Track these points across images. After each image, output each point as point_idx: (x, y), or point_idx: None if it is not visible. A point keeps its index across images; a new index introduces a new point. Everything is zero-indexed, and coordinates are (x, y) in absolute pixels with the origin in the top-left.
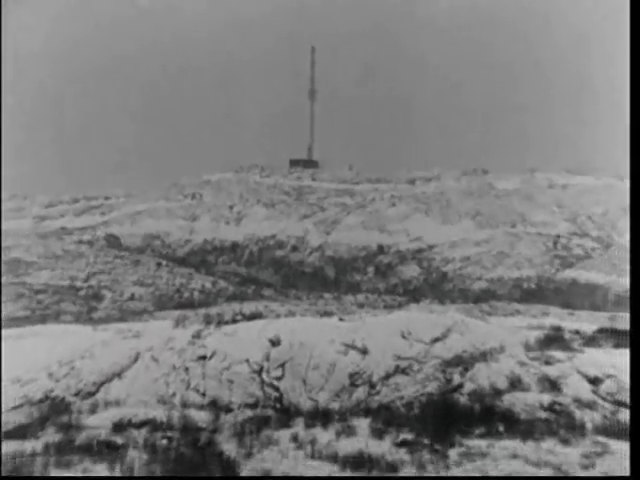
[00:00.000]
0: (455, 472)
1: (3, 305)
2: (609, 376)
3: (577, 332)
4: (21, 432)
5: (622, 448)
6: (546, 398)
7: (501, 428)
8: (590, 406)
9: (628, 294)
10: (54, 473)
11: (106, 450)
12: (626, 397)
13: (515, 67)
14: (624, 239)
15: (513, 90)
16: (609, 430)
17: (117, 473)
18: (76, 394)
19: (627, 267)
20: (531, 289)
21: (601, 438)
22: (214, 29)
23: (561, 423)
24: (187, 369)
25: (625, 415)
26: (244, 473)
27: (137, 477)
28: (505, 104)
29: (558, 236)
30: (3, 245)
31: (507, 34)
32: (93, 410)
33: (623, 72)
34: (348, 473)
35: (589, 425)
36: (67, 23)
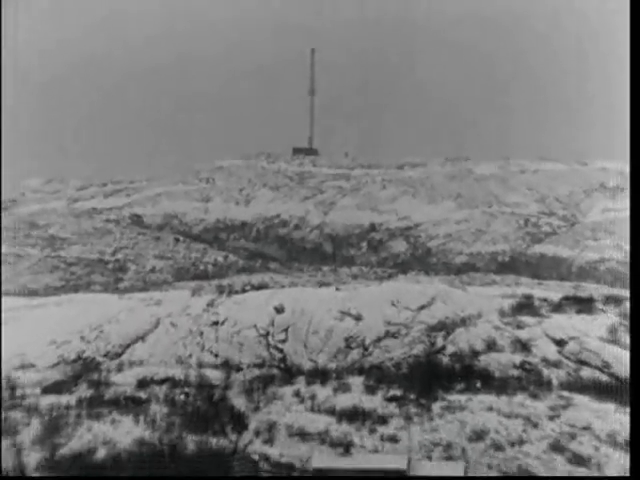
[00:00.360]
0: (438, 423)
1: (41, 275)
2: (572, 338)
3: (545, 300)
4: (57, 388)
5: (583, 401)
6: (518, 358)
7: (478, 384)
8: (556, 365)
9: (589, 266)
10: (86, 424)
11: (131, 404)
12: (588, 357)
13: (508, 71)
14: (587, 218)
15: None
16: (572, 385)
17: (141, 424)
18: (105, 355)
19: (589, 243)
20: (505, 262)
21: (565, 393)
22: (222, 29)
23: (531, 380)
24: (202, 333)
25: (586, 372)
26: (252, 424)
27: (138, 477)
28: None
29: (529, 215)
30: (41, 223)
31: (500, 38)
32: (120, 369)
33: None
34: (344, 425)
35: (555, 381)
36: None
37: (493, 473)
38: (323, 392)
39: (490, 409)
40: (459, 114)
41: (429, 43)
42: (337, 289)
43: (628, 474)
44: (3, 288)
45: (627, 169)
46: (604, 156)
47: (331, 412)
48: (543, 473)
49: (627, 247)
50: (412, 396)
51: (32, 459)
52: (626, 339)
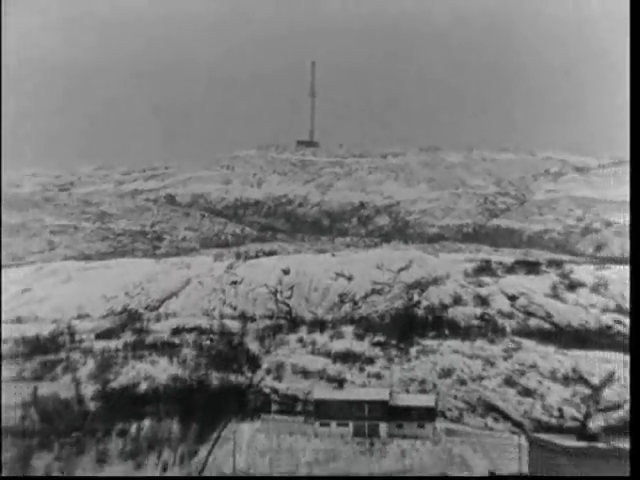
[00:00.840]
0: (414, 364)
1: (94, 244)
2: (522, 294)
3: (500, 263)
4: (107, 334)
5: (530, 345)
6: (478, 310)
7: (447, 332)
8: (509, 316)
9: (536, 236)
10: (131, 363)
11: (167, 348)
12: (534, 309)
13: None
14: (534, 197)
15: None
16: (522, 332)
17: (175, 364)
18: (145, 308)
19: (535, 217)
20: (469, 233)
21: (516, 338)
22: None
23: (488, 328)
24: (223, 291)
25: (533, 321)
26: (264, 365)
27: (142, 477)
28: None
29: (488, 195)
30: (94, 201)
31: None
32: (157, 319)
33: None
34: (338, 365)
35: (508, 329)
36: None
37: (458, 403)
38: (321, 338)
39: (456, 352)
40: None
41: (431, 42)
42: (333, 255)
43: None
44: (64, 253)
45: (569, 157)
46: (551, 147)
47: (328, 354)
48: (498, 403)
49: (566, 220)
50: (393, 341)
51: (88, 391)
52: (564, 294)
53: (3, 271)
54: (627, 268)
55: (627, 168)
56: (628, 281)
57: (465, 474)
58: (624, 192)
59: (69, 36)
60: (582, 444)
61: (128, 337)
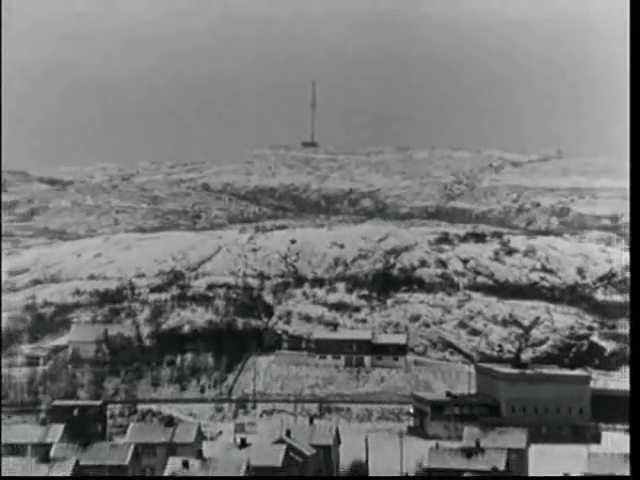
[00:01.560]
0: (390, 312)
1: (148, 220)
2: (472, 258)
3: (456, 235)
4: (159, 289)
5: (478, 296)
6: (439, 271)
7: (415, 287)
8: (462, 274)
9: (482, 214)
10: (176, 311)
11: (203, 299)
12: (481, 269)
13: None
14: (481, 185)
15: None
16: (471, 287)
17: (209, 312)
18: (187, 269)
19: (482, 200)
20: (432, 212)
21: (467, 291)
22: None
23: (446, 284)
24: (246, 256)
25: (480, 279)
26: (277, 313)
27: (140, 477)
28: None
29: (447, 183)
30: (148, 188)
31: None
32: (196, 277)
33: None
34: (333, 312)
35: (461, 285)
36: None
37: (423, 341)
38: (320, 292)
39: (422, 302)
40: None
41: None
42: (329, 229)
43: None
44: (126, 227)
45: (506, 155)
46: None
47: (325, 304)
48: (453, 341)
49: (505, 202)
50: (374, 295)
51: (144, 331)
52: (503, 258)
53: (82, 240)
54: (550, 238)
55: (550, 163)
56: (550, 248)
57: (428, 394)
58: (548, 181)
59: (121, 50)
60: (515, 371)
61: (174, 291)
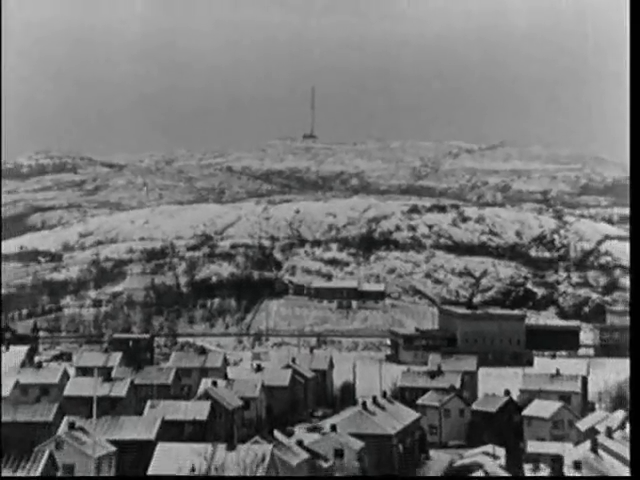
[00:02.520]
0: (372, 266)
1: (185, 195)
2: (435, 224)
3: (423, 207)
4: (193, 248)
5: (440, 254)
6: (410, 234)
7: (392, 247)
8: (428, 237)
9: (444, 190)
10: (206, 265)
11: (227, 256)
12: (443, 232)
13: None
14: (443, 167)
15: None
16: (435, 246)
17: (232, 266)
18: (215, 232)
19: (443, 179)
20: (405, 189)
21: (432, 250)
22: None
23: (416, 244)
24: (260, 223)
25: (441, 240)
26: (284, 267)
27: (138, 477)
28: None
29: (416, 167)
30: (185, 171)
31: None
32: (221, 239)
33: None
34: (328, 267)
35: (427, 245)
36: None
37: (398, 289)
38: (318, 251)
39: (397, 258)
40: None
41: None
42: (324, 202)
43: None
44: (167, 200)
45: (462, 144)
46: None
47: (322, 260)
48: (421, 288)
49: (460, 182)
50: (360, 253)
51: (182, 281)
52: (459, 224)
53: (134, 211)
54: (495, 209)
55: (496, 151)
56: (495, 216)
57: (401, 330)
58: (494, 165)
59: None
60: (468, 311)
61: (205, 250)
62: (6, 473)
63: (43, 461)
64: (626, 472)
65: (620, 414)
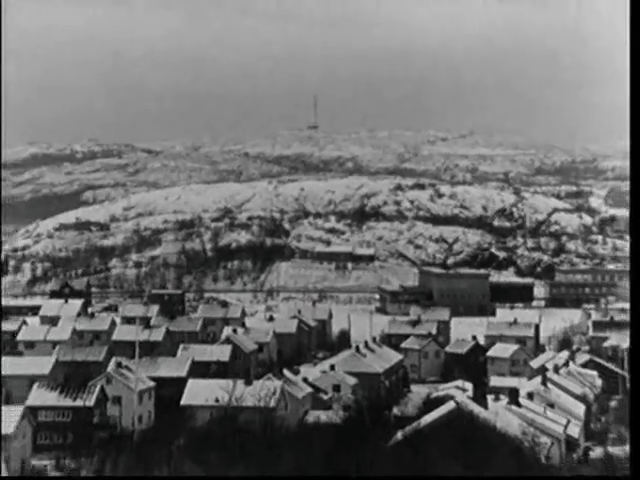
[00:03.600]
0: (364, 234)
1: (209, 175)
2: (416, 199)
3: (406, 185)
4: (218, 219)
5: (419, 223)
6: (395, 208)
7: (380, 218)
8: (409, 210)
9: (424, 172)
10: (228, 234)
11: (245, 225)
12: (422, 206)
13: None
14: (422, 152)
15: None
16: (416, 218)
17: (249, 234)
18: (234, 207)
19: (422, 163)
20: (391, 170)
21: (413, 221)
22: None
23: (400, 216)
24: (272, 198)
25: (420, 213)
26: (292, 234)
27: (137, 477)
28: None
29: (400, 152)
30: (210, 155)
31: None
32: (240, 212)
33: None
34: (328, 234)
35: (410, 216)
36: None
37: (385, 253)
38: (319, 221)
39: (384, 228)
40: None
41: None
42: (325, 181)
43: (628, 473)
44: (195, 181)
45: (437, 133)
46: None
47: (322, 229)
48: (404, 252)
49: (436, 164)
50: (354, 223)
51: (207, 246)
52: (436, 200)
53: (168, 189)
54: (465, 187)
55: (466, 139)
56: (465, 193)
57: (388, 287)
58: (464, 150)
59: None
60: (443, 271)
61: (226, 221)
62: (66, 403)
63: (96, 393)
64: (569, 402)
65: (565, 354)
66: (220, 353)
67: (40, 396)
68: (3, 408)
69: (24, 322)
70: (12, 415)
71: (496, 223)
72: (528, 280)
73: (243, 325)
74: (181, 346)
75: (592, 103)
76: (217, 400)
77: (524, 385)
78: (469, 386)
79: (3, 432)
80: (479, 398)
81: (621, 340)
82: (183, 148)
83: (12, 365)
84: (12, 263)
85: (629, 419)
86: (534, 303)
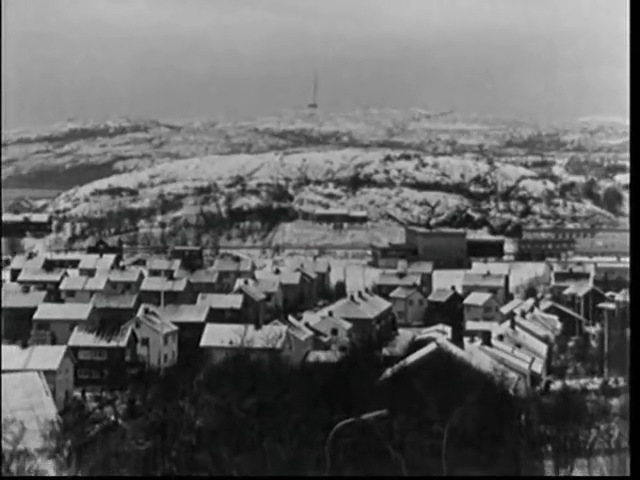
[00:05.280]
0: (358, 198)
1: (224, 148)
2: (403, 168)
3: (395, 156)
4: (230, 186)
5: (407, 190)
6: (385, 176)
7: (372, 185)
8: (397, 178)
9: (408, 144)
10: (240, 198)
11: (254, 192)
12: (408, 174)
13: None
14: (408, 128)
15: None
16: (403, 184)
17: (258, 199)
18: (245, 175)
19: (408, 136)
20: (381, 143)
21: (401, 187)
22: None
23: (389, 183)
24: (277, 168)
25: (407, 180)
26: (295, 199)
27: (136, 477)
28: None
29: (389, 127)
30: (225, 130)
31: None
32: (250, 179)
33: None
34: (326, 199)
35: (397, 183)
36: None
37: (377, 215)
38: (319, 188)
39: (376, 193)
40: None
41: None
42: (324, 153)
43: (628, 474)
44: (211, 152)
45: (422, 111)
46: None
47: (322, 194)
48: (393, 214)
49: (420, 138)
50: (349, 190)
51: (222, 209)
52: (421, 169)
53: (188, 159)
54: (446, 157)
55: (447, 116)
56: (446, 162)
57: (379, 244)
58: (445, 126)
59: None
60: (427, 230)
61: (238, 187)
62: (102, 343)
63: (127, 335)
64: (534, 342)
65: (530, 301)
66: (233, 301)
67: (80, 338)
68: (50, 347)
69: (65, 274)
70: (57, 353)
71: (472, 189)
72: (499, 238)
73: (253, 277)
74: (200, 295)
75: (557, 84)
76: (231, 342)
77: (495, 328)
78: (448, 329)
79: (49, 368)
80: (457, 340)
81: (578, 289)
82: (201, 124)
83: (55, 311)
84: (55, 223)
85: (629, 419)
86: (504, 258)
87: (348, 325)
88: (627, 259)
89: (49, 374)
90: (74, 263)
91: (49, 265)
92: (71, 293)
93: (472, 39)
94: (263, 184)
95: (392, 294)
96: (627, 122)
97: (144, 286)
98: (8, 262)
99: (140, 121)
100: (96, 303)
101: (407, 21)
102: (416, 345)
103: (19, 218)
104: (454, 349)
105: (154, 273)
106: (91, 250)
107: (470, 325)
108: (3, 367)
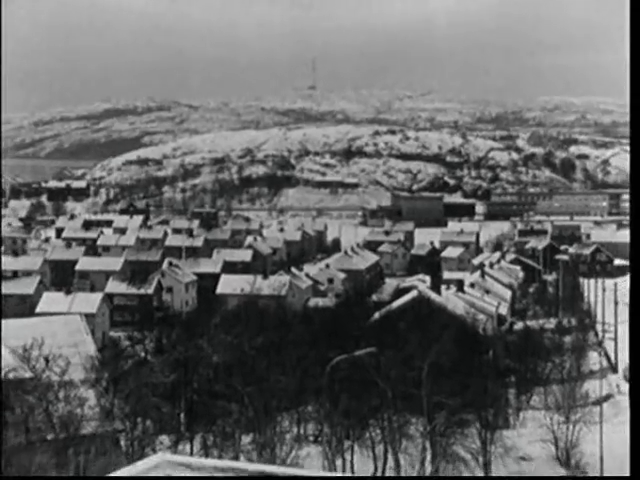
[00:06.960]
0: (351, 167)
1: (235, 124)
2: (389, 141)
3: (382, 131)
4: (240, 157)
5: (392, 160)
6: (374, 148)
7: (362, 156)
8: (385, 149)
9: (395, 121)
10: (249, 167)
11: (261, 162)
12: (396, 147)
13: None
14: (395, 106)
15: None
16: (389, 155)
17: (264, 168)
18: (254, 147)
19: (396, 113)
20: (370, 120)
21: (387, 158)
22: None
23: (377, 154)
24: (282, 141)
25: (393, 152)
26: (297, 168)
27: (135, 477)
28: None
29: (378, 107)
30: (236, 109)
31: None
32: (258, 152)
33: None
34: (323, 168)
35: (385, 154)
36: None
37: (366, 182)
38: (317, 158)
39: (366, 163)
40: None
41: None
42: (322, 129)
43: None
44: (223, 128)
45: (405, 92)
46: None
47: (320, 164)
48: (381, 181)
49: (410, 116)
50: (343, 160)
51: (234, 177)
52: (406, 142)
53: (205, 134)
54: (426, 132)
55: (427, 97)
56: (427, 138)
57: (369, 206)
58: (426, 105)
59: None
60: (409, 195)
61: (248, 158)
62: (133, 291)
63: (154, 284)
64: (500, 289)
65: (497, 254)
66: (244, 255)
67: (114, 286)
68: (89, 294)
69: (101, 232)
70: (95, 299)
71: (448, 159)
72: (471, 200)
73: (261, 235)
74: (215, 250)
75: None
76: (242, 290)
77: (467, 277)
78: (428, 279)
79: (89, 311)
80: (435, 287)
81: (538, 243)
82: (216, 104)
83: (93, 263)
84: (92, 189)
85: (629, 419)
86: (475, 218)
87: (342, 275)
88: (580, 218)
89: (89, 317)
90: (109, 223)
91: (88, 225)
92: (106, 248)
93: (452, 30)
94: (269, 155)
95: (380, 249)
96: (577, 101)
97: (168, 242)
98: (53, 222)
99: (164, 101)
100: (127, 256)
101: (392, 13)
102: (400, 292)
103: (62, 185)
104: (433, 295)
105: (176, 231)
106: (123, 212)
107: (446, 275)
108: (51, 310)
